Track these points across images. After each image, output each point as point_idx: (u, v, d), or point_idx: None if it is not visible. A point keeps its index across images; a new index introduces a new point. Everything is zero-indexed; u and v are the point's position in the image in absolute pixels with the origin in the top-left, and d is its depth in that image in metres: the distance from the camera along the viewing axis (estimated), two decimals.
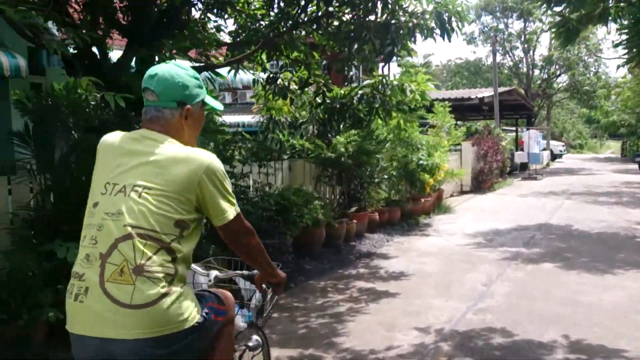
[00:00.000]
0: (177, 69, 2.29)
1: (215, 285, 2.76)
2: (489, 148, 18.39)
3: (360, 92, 9.08)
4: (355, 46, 7.66)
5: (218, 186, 2.20)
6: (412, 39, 7.34)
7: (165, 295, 2.04)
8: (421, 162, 10.93)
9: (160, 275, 2.05)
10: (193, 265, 2.67)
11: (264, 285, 2.65)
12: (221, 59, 8.49)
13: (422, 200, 12.07)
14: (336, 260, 7.98)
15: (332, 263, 7.80)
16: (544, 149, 29.01)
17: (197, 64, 7.81)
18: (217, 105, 2.55)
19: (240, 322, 2.86)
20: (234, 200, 2.27)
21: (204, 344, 2.27)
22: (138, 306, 2.01)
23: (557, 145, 40.05)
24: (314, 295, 6.27)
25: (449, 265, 7.72)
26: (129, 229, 2.06)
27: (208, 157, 2.21)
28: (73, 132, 7.19)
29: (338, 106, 9.27)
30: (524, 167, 24.65)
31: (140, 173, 2.14)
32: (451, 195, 16.42)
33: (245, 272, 2.81)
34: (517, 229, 10.74)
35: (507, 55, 40.89)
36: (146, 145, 2.19)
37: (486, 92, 23.52)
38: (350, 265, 7.81)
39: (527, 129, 25.21)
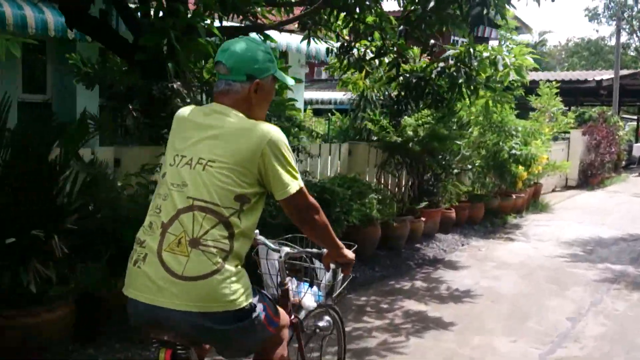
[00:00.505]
0: (250, 43, 2.32)
1: (287, 262, 2.72)
2: (603, 138, 16.18)
3: (441, 64, 7.65)
4: (432, 4, 6.27)
5: (280, 159, 2.18)
6: None
7: (216, 271, 2.06)
8: (513, 151, 9.31)
9: (214, 250, 2.07)
10: (266, 241, 2.73)
11: (332, 265, 2.61)
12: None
13: (514, 196, 10.44)
14: (391, 267, 6.68)
15: (385, 271, 6.51)
16: None
17: (232, 24, 6.73)
18: (288, 80, 2.50)
19: (310, 301, 2.82)
20: (297, 174, 2.24)
21: (250, 341, 2.25)
22: (188, 278, 2.05)
23: None
24: (345, 316, 5.04)
25: (530, 285, 6.24)
26: (191, 201, 2.11)
27: (270, 130, 2.20)
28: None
29: (414, 81, 7.90)
30: None
31: (207, 146, 2.17)
32: (553, 190, 14.55)
33: (314, 250, 2.68)
34: (625, 238, 8.95)
35: (635, 35, 36.77)
36: (214, 118, 2.22)
37: (605, 75, 20.93)
38: (407, 275, 6.49)
39: None
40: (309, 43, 7.94)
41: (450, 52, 7.40)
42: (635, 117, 28.08)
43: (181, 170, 2.16)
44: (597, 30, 44.94)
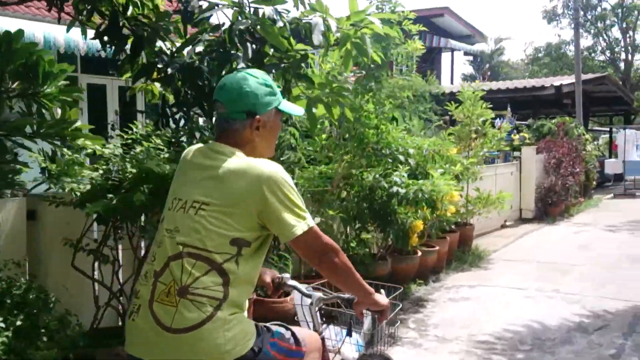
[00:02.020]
0: (247, 78, 2.12)
1: (322, 309, 2.53)
2: (564, 155, 12.75)
3: (206, 37, 4.07)
4: None
5: (281, 198, 1.98)
6: None
7: (206, 320, 1.88)
8: (395, 189, 5.70)
9: (204, 299, 1.89)
10: (298, 285, 2.53)
11: (365, 312, 2.37)
12: None
13: (419, 252, 6.80)
14: None
15: None
16: None
17: None
18: (296, 111, 2.30)
19: (350, 351, 2.66)
20: (304, 214, 2.02)
21: None
22: (177, 330, 1.88)
23: None
24: None
25: None
26: (181, 247, 1.96)
27: (268, 167, 2.02)
28: None
29: (176, 72, 4.26)
30: (619, 178, 18.52)
31: (202, 188, 2.03)
32: (502, 226, 11.07)
33: (345, 295, 2.36)
34: (585, 323, 5.42)
35: (600, 37, 33.50)
36: (213, 159, 2.08)
37: (567, 80, 17.61)
38: None
39: (624, 129, 18.92)
40: (85, 34, 4.37)
41: (214, 11, 3.82)
42: (607, 128, 24.77)
43: (176, 215, 2.01)
44: (559, 35, 41.71)
